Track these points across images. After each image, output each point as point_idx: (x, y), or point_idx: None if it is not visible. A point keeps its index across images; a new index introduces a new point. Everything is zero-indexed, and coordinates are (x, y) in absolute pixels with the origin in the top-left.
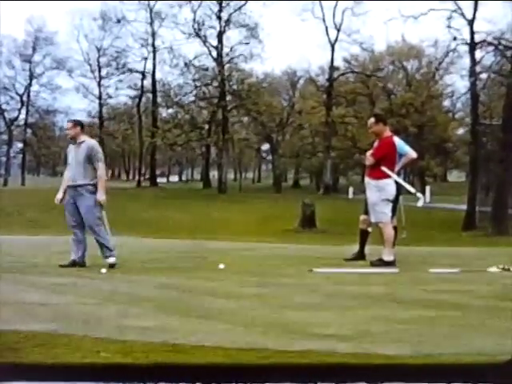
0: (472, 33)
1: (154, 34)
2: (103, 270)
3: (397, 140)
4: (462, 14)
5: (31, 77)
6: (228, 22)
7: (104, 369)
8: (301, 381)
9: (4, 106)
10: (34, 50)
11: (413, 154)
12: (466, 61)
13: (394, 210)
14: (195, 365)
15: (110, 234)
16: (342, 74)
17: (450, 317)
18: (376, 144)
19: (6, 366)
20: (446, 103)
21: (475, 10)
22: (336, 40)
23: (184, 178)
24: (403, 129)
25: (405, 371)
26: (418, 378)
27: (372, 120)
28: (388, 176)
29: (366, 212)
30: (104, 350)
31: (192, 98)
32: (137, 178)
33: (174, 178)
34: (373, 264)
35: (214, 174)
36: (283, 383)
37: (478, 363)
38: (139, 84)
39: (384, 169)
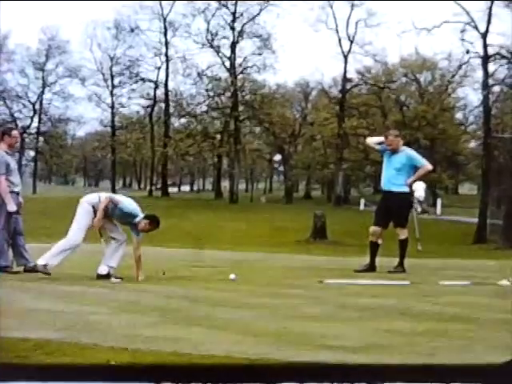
0: (485, 46)
1: (167, 44)
2: (113, 279)
3: (412, 152)
4: (476, 27)
5: (44, 85)
6: (241, 32)
7: (103, 369)
8: (301, 381)
9: (16, 114)
10: (47, 58)
11: (429, 166)
12: (479, 74)
13: (406, 220)
14: (196, 365)
15: None
16: (355, 86)
17: (461, 330)
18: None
19: (5, 366)
20: (459, 116)
21: (488, 23)
22: (349, 51)
23: (195, 188)
24: (415, 141)
25: (405, 371)
26: (419, 378)
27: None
28: None
29: (377, 224)
30: (113, 359)
31: (204, 108)
32: (148, 187)
33: (186, 188)
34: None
35: (225, 184)
36: (283, 383)
37: (477, 364)
38: (152, 93)
39: None
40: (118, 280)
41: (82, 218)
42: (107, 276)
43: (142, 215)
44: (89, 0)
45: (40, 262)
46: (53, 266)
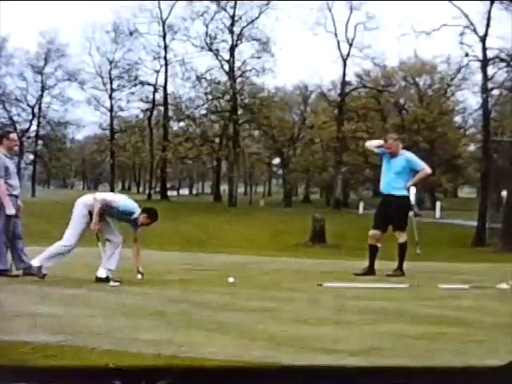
0: (484, 49)
1: (166, 47)
2: (112, 283)
3: (412, 156)
4: (475, 31)
5: (43, 88)
6: (240, 35)
7: (102, 372)
8: (300, 382)
9: (15, 118)
10: (46, 61)
11: (428, 170)
12: (478, 77)
13: (405, 223)
14: (195, 368)
15: None
16: (354, 89)
17: (460, 333)
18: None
19: (4, 368)
20: (458, 119)
21: (487, 26)
22: (348, 55)
23: (194, 191)
24: (414, 144)
25: (405, 374)
26: (419, 380)
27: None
28: None
29: (376, 227)
30: (113, 362)
31: (203, 112)
32: (147, 190)
33: (185, 192)
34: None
35: (224, 187)
36: None
37: (477, 366)
38: (151, 97)
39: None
40: (117, 283)
41: (77, 222)
42: (106, 279)
43: (139, 211)
44: (87, 0)
45: (34, 264)
46: (46, 269)
